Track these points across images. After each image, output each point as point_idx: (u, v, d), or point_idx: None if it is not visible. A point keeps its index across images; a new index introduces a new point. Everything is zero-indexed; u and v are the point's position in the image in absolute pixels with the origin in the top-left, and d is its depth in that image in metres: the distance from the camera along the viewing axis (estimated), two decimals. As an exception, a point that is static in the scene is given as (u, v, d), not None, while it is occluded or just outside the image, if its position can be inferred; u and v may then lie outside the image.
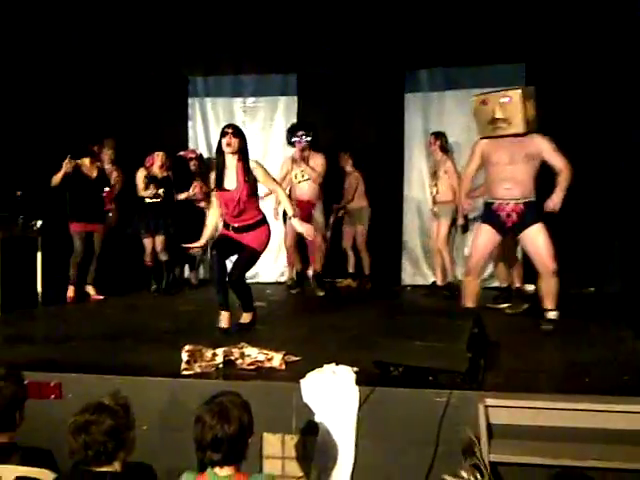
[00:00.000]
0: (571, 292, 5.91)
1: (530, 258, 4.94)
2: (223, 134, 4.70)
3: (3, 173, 6.55)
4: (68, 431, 2.15)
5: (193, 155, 7.73)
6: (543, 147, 4.84)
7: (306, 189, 6.88)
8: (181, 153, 7.72)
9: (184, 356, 3.67)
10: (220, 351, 3.74)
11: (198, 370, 3.61)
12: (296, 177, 6.92)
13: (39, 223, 6.20)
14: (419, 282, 7.74)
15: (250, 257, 4.83)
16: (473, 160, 5.10)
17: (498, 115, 4.87)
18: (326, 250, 7.11)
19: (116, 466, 2.20)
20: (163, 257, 7.08)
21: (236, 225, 4.75)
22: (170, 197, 7.08)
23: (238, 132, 4.77)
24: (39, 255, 6.25)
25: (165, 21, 7.77)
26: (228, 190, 4.70)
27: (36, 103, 7.02)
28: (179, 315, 5.72)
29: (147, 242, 6.97)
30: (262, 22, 7.72)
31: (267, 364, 3.72)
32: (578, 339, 4.55)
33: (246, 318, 4.90)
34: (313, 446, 3.24)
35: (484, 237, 4.95)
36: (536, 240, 4.77)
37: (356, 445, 3.21)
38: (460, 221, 6.96)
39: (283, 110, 8.21)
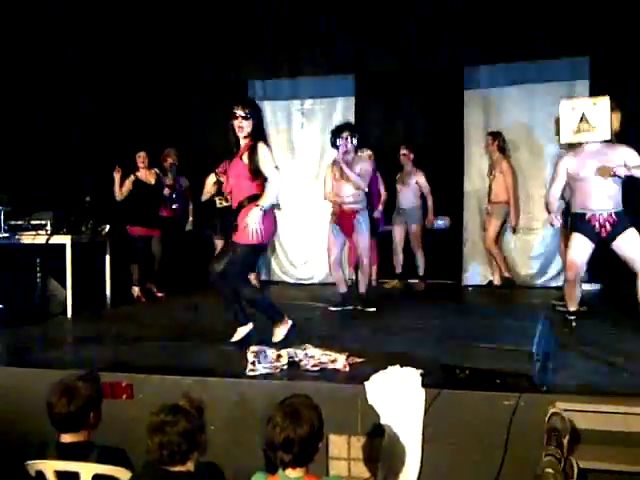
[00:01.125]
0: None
1: (627, 262, 4.80)
2: (233, 116, 4.26)
3: (73, 180, 6.80)
4: (146, 431, 2.21)
5: None
6: (627, 157, 4.70)
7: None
8: None
9: (249, 357, 3.72)
10: (285, 352, 3.77)
11: (263, 371, 3.65)
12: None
13: (107, 227, 6.39)
14: (481, 282, 7.65)
15: (236, 255, 4.24)
16: (558, 177, 4.90)
17: (586, 120, 4.76)
18: (376, 257, 7.20)
19: (189, 466, 2.25)
20: None
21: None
22: None
23: (249, 113, 4.25)
24: (107, 258, 6.45)
25: (223, 26, 7.91)
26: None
27: (102, 112, 7.27)
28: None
29: (218, 244, 7.06)
30: (319, 24, 7.78)
31: (331, 365, 3.73)
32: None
33: (277, 334, 4.34)
34: (379, 448, 3.23)
35: (580, 247, 4.81)
36: (632, 244, 4.69)
37: (422, 448, 3.19)
38: (513, 222, 6.89)
39: (341, 111, 8.22)
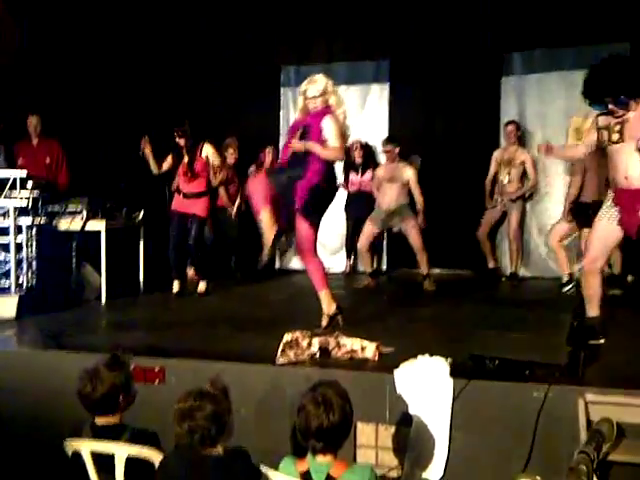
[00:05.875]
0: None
1: None
2: None
3: (108, 166, 6.90)
4: (173, 418, 2.26)
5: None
6: None
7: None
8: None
9: (281, 344, 3.75)
10: (316, 340, 3.79)
11: (293, 358, 3.67)
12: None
13: (141, 213, 6.48)
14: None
15: None
16: None
17: None
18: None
19: (219, 449, 2.29)
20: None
21: None
22: None
23: None
24: (141, 244, 6.53)
25: (257, 12, 7.90)
26: None
27: (139, 100, 7.34)
28: (272, 304, 5.87)
29: None
30: (353, 8, 7.71)
31: (361, 354, 3.74)
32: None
33: None
34: (407, 437, 3.24)
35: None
36: None
37: (450, 438, 3.19)
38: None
39: (376, 97, 8.17)
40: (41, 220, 5.57)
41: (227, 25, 7.89)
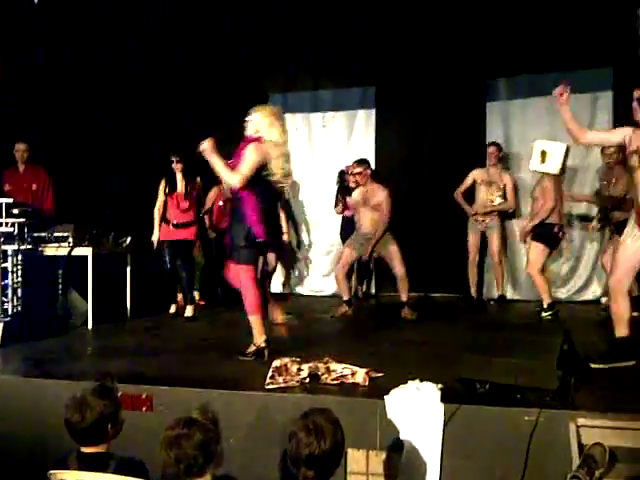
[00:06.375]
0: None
1: None
2: None
3: (95, 192, 6.86)
4: (160, 446, 2.21)
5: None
6: None
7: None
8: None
9: (270, 370, 3.72)
10: (306, 366, 3.76)
11: (282, 384, 3.64)
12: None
13: (128, 239, 6.45)
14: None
15: None
16: None
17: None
18: None
19: (207, 478, 2.25)
20: None
21: None
22: None
23: None
24: (128, 270, 6.50)
25: (244, 40, 7.95)
26: None
27: (123, 125, 7.33)
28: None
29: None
30: (339, 36, 7.79)
31: (350, 379, 3.72)
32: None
33: None
34: (398, 463, 3.21)
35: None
36: None
37: (441, 463, 3.16)
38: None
39: (362, 124, 8.24)
40: (27, 246, 5.54)
41: (214, 53, 7.93)
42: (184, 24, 7.60)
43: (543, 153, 6.14)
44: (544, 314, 6.18)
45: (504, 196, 7.21)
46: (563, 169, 6.22)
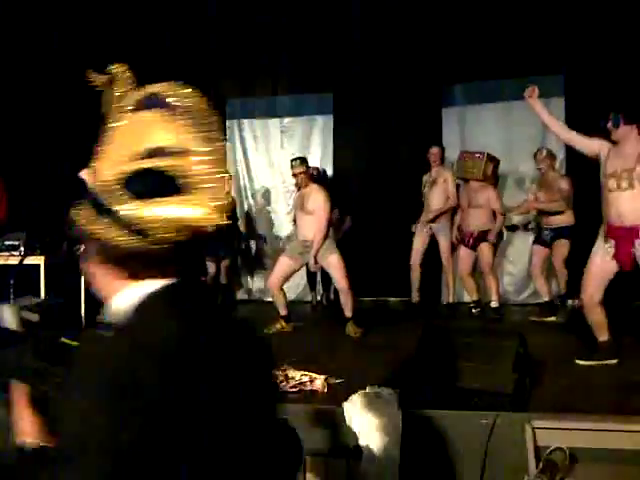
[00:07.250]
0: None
1: None
2: None
3: (48, 201, 6.71)
4: None
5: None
6: None
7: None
8: None
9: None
10: (262, 374, 3.73)
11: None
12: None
13: (82, 247, 6.30)
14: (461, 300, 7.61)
15: None
16: None
17: None
18: None
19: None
20: None
21: None
22: None
23: None
24: (82, 280, 6.34)
25: (202, 45, 7.91)
26: None
27: (79, 130, 7.18)
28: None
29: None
30: (296, 41, 7.82)
31: (309, 386, 3.70)
32: (633, 356, 4.35)
33: None
34: (357, 470, 3.20)
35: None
36: None
37: (400, 468, 3.16)
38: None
39: (320, 129, 8.25)
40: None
41: (172, 56, 7.85)
42: (140, 28, 7.51)
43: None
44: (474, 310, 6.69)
45: (444, 195, 7.00)
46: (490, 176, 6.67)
